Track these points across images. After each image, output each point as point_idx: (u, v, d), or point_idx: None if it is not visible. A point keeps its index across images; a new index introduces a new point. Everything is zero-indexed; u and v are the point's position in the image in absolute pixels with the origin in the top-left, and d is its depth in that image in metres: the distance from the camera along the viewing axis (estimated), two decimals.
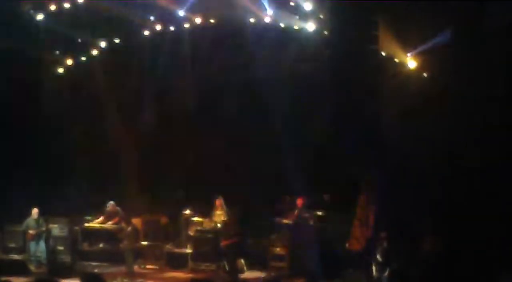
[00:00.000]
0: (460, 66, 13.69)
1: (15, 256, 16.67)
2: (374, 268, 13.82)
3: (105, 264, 16.59)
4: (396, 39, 14.73)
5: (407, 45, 14.76)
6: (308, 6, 15.51)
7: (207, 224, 17.08)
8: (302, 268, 15.09)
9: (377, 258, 13.82)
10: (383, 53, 15.02)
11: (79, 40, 18.57)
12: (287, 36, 16.48)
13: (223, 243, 15.86)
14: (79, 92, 19.28)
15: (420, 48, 14.53)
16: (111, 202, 17.30)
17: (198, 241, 16.63)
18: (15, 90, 17.65)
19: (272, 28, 16.33)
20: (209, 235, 16.62)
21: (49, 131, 18.51)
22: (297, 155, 16.21)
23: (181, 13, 16.95)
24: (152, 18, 17.76)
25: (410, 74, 14.84)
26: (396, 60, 15.04)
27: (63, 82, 19.22)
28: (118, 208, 17.30)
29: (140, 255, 17.14)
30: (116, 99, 19.18)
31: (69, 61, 19.36)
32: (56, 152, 18.60)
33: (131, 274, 15.90)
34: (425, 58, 14.54)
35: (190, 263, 16.53)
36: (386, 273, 13.47)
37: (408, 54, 14.80)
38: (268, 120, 17.14)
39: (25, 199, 16.90)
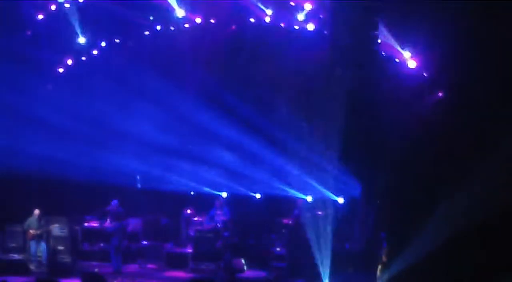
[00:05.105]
0: (460, 66, 13.68)
1: (16, 256, 16.68)
2: (374, 268, 13.81)
3: (105, 264, 16.60)
4: (396, 39, 14.74)
5: (407, 45, 14.77)
6: (308, 6, 15.52)
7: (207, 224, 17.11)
8: (302, 268, 15.09)
9: (377, 258, 13.81)
10: (383, 53, 15.02)
11: None
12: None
13: (219, 243, 15.88)
14: None
15: (420, 48, 14.54)
16: (115, 202, 17.26)
17: (198, 241, 16.65)
18: None
19: None
20: (209, 235, 16.64)
21: None
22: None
23: None
24: None
25: (410, 74, 14.85)
26: (396, 60, 15.04)
27: None
28: (120, 208, 17.30)
29: (140, 255, 17.18)
30: None
31: None
32: None
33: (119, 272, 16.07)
34: (425, 58, 14.54)
35: (190, 263, 16.54)
36: (386, 273, 13.46)
37: (408, 54, 14.81)
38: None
39: (26, 199, 16.95)
